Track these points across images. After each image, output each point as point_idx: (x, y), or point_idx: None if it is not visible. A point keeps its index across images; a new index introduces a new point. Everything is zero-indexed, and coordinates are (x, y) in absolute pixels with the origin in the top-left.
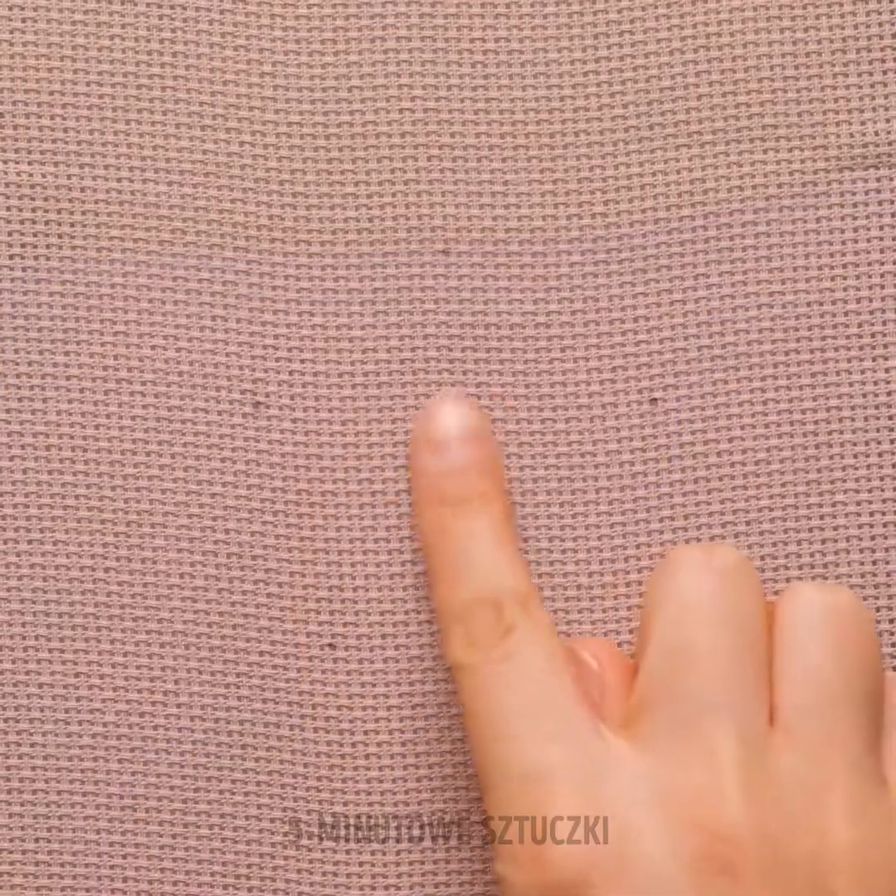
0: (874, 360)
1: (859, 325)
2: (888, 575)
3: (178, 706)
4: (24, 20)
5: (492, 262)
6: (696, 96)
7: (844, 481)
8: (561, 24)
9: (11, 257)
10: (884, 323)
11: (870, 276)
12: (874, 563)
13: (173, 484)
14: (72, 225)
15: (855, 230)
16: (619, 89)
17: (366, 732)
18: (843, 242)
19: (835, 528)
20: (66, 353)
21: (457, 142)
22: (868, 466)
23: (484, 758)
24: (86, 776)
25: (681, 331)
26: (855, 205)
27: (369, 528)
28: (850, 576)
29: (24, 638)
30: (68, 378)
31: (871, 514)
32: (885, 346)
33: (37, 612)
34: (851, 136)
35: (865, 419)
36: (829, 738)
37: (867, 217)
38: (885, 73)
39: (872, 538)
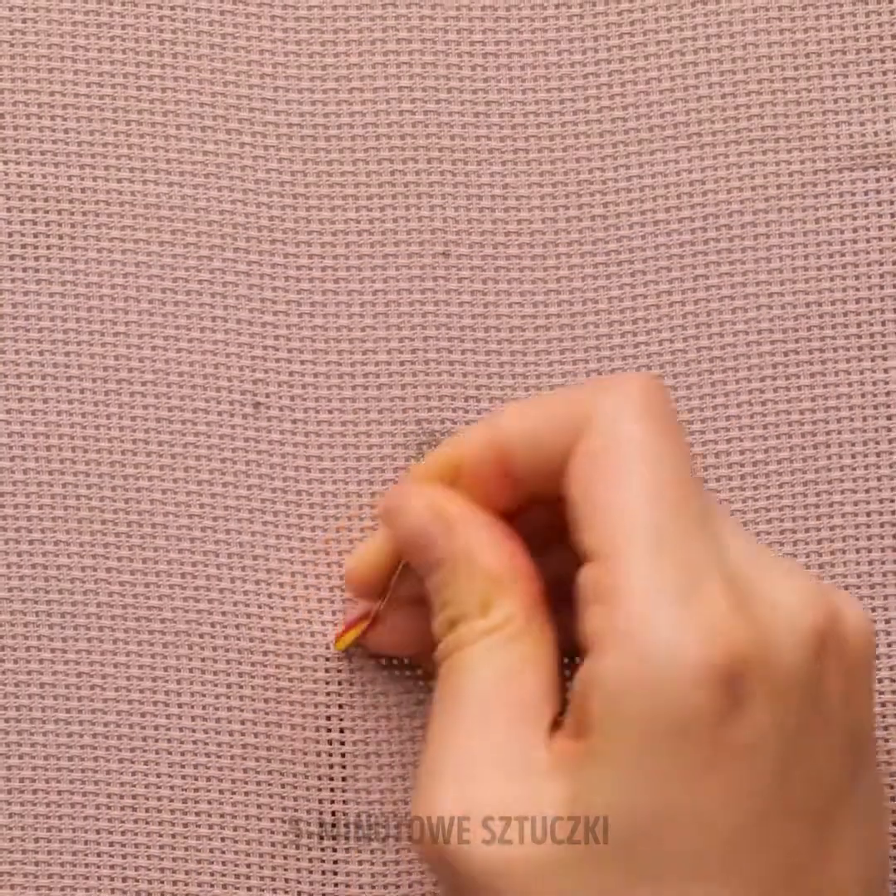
0: (873, 360)
1: (858, 326)
2: (884, 575)
3: (180, 706)
4: (24, 21)
5: (491, 265)
6: (696, 98)
7: (842, 481)
8: (561, 26)
9: (12, 258)
10: (883, 323)
11: (869, 277)
12: (870, 563)
13: (174, 484)
14: (72, 226)
15: (854, 231)
16: (618, 91)
17: (366, 731)
18: (843, 243)
19: (831, 529)
20: (67, 354)
21: (457, 144)
22: (866, 467)
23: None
24: (86, 776)
25: (680, 332)
26: (854, 205)
27: (369, 529)
28: (847, 576)
29: (26, 638)
30: (69, 379)
31: (868, 514)
32: (884, 347)
33: (39, 612)
34: (851, 136)
35: (864, 419)
36: None
37: (866, 217)
38: (884, 74)
39: (869, 538)
